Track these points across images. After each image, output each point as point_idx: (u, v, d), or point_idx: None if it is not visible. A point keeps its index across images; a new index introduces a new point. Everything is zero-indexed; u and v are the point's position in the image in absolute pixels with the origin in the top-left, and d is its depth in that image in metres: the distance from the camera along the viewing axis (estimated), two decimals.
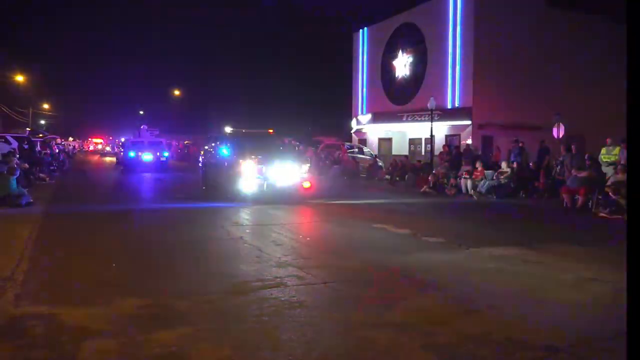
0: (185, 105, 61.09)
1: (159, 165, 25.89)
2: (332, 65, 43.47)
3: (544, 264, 6.41)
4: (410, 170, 20.80)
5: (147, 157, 25.76)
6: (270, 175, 12.41)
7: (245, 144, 13.69)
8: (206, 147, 16.80)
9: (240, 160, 12.59)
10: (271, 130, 14.67)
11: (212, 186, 14.23)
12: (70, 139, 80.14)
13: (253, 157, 12.68)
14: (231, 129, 15.24)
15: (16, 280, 5.27)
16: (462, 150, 19.61)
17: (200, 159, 17.51)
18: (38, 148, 22.07)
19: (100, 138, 72.61)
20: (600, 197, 11.42)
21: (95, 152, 64.23)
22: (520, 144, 16.69)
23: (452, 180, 16.24)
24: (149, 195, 16.35)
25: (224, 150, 13.79)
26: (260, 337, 3.91)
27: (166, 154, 27.03)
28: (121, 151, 29.54)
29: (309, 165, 13.76)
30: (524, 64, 24.82)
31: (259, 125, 20.05)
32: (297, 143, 17.15)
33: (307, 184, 12.83)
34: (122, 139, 33.15)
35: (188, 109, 61.46)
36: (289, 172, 12.66)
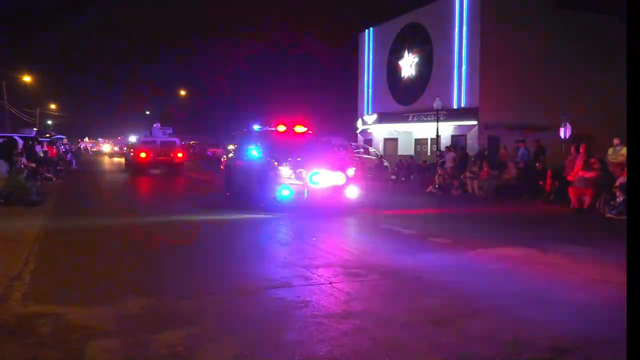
0: (197, 104, 61.20)
1: (173, 167, 24.27)
2: (337, 66, 43.50)
3: (551, 265, 6.38)
4: (416, 170, 20.79)
5: (160, 157, 24.20)
6: (311, 180, 10.73)
7: (281, 145, 12.04)
8: (230, 148, 15.32)
9: (275, 163, 10.96)
10: (307, 129, 12.84)
11: (238, 192, 12.71)
12: (86, 139, 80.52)
13: (290, 159, 11.06)
14: (260, 127, 13.28)
15: (24, 280, 5.30)
16: (476, 151, 19.57)
17: (223, 161, 15.80)
18: (44, 148, 22.12)
19: (107, 138, 72.04)
20: (607, 197, 11.35)
21: (100, 152, 64.17)
22: (524, 145, 16.70)
23: (456, 182, 16.20)
24: (158, 199, 16.36)
25: (254, 152, 12.12)
26: (266, 337, 3.91)
27: (180, 154, 25.06)
28: (131, 151, 28.42)
29: (354, 169, 12.09)
30: (530, 64, 24.73)
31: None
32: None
33: (352, 191, 11.17)
34: (132, 139, 31.64)
35: (197, 109, 61.58)
36: (333, 177, 10.97)
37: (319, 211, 10.50)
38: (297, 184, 10.71)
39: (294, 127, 12.69)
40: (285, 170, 10.82)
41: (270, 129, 12.87)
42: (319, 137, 13.69)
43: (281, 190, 10.63)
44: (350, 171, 11.50)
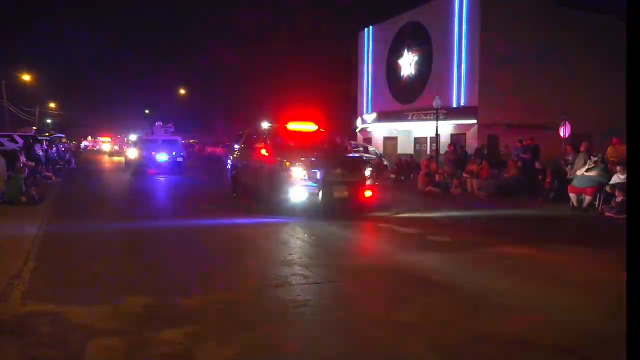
0: (196, 103, 61.16)
1: (175, 167, 23.75)
2: (337, 64, 43.41)
3: (551, 264, 6.39)
4: (416, 169, 20.78)
5: (162, 157, 23.70)
6: (325, 181, 10.11)
7: (293, 144, 11.54)
8: (237, 147, 14.62)
9: (288, 164, 10.35)
10: (320, 128, 12.24)
11: (246, 193, 12.24)
12: (89, 138, 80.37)
13: (304, 159, 10.42)
14: (269, 125, 12.67)
15: (23, 279, 5.29)
16: (475, 149, 19.63)
17: (230, 161, 15.32)
18: (44, 147, 22.09)
19: (108, 137, 71.22)
20: (607, 197, 11.36)
21: (100, 151, 64.01)
22: (522, 144, 16.74)
23: (456, 181, 16.20)
24: (159, 199, 16.34)
25: (263, 151, 11.52)
26: (266, 336, 3.91)
27: (182, 153, 24.67)
28: (131, 150, 28.02)
29: (371, 170, 11.35)
30: (530, 63, 24.69)
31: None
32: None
33: (368, 193, 10.58)
34: (133, 137, 31.07)
35: (197, 108, 61.54)
36: (349, 178, 10.40)
37: (331, 213, 9.99)
38: (310, 186, 10.07)
39: (305, 125, 12.26)
40: (298, 171, 10.18)
41: (280, 126, 12.38)
42: (333, 137, 13.08)
43: (293, 192, 10.06)
44: (367, 172, 10.86)
